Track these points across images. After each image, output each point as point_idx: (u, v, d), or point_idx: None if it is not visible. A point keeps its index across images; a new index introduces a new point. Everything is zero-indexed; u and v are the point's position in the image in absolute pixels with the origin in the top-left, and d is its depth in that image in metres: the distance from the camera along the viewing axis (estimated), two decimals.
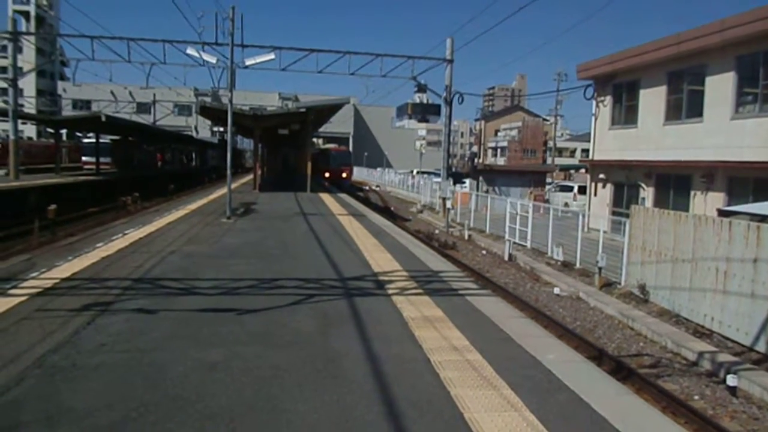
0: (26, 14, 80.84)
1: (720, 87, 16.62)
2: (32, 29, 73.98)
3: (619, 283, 13.72)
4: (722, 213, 12.35)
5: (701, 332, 10.38)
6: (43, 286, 7.44)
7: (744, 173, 15.75)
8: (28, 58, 55.14)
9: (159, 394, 4.31)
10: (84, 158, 41.10)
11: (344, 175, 45.57)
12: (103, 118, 27.97)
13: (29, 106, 62.96)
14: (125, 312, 6.42)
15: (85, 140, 43.42)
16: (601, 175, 22.48)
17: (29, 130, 71.70)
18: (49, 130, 45.10)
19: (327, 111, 31.47)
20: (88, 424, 3.83)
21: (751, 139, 15.45)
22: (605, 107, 22.30)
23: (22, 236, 16.88)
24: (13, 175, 25.22)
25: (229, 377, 4.67)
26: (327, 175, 43.20)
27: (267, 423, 3.93)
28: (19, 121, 28.17)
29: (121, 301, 6.89)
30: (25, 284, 7.49)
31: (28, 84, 70.99)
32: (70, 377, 4.56)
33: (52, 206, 17.90)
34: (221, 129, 59.72)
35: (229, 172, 17.32)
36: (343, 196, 27.38)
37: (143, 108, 61.31)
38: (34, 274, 8.08)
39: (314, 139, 54.74)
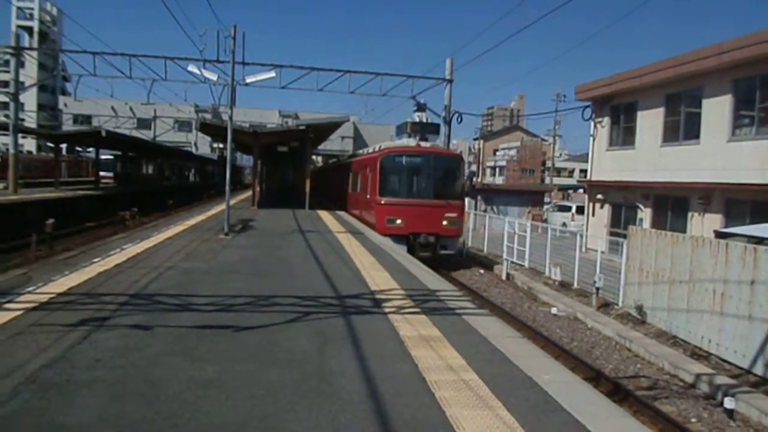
0: (29, 30, 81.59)
1: (717, 109, 16.78)
2: (35, 44, 74.59)
3: (617, 304, 13.70)
4: (719, 235, 12.38)
5: (699, 354, 10.35)
6: (38, 300, 7.40)
7: (741, 195, 15.83)
8: (30, 72, 55.50)
9: (153, 411, 4.27)
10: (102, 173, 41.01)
11: (445, 222, 19.37)
12: (103, 133, 28.14)
13: (30, 120, 63.31)
14: (121, 327, 6.39)
15: (103, 157, 43.35)
16: (599, 196, 22.57)
17: (29, 144, 71.94)
18: (49, 144, 45.22)
19: (326, 129, 31.60)
20: None
21: (748, 161, 15.55)
22: (603, 128, 22.47)
23: (19, 250, 16.85)
24: (12, 189, 25.25)
25: (224, 395, 4.64)
26: (398, 221, 19.11)
27: None
28: (20, 135, 28.27)
29: (117, 317, 6.85)
30: (20, 299, 7.46)
31: (30, 98, 71.37)
32: (64, 393, 4.53)
33: (50, 220, 17.90)
34: (221, 145, 59.92)
35: (227, 188, 17.35)
36: (342, 213, 26.67)
37: (143, 124, 61.61)
38: (30, 289, 8.05)
39: (313, 156, 54.78)
